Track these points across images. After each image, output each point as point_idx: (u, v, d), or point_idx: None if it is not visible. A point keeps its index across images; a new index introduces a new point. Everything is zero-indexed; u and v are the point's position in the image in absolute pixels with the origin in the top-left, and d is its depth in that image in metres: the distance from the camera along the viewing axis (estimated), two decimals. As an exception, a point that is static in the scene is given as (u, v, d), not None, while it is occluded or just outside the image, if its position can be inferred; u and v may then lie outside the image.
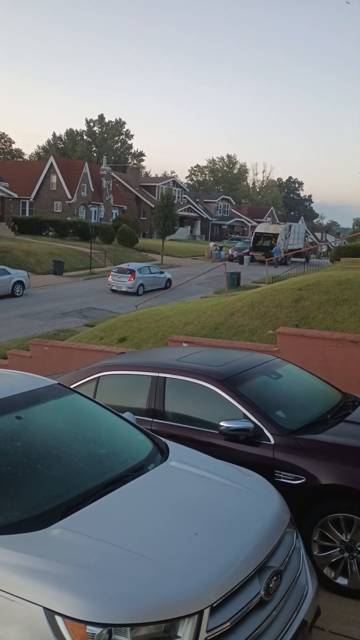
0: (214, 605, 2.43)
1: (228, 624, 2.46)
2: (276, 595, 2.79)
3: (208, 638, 2.39)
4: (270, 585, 2.74)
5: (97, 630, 2.26)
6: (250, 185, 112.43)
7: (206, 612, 2.39)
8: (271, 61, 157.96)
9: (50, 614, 2.30)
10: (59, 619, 2.28)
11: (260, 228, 44.90)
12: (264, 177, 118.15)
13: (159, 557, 2.56)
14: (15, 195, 45.51)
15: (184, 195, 69.39)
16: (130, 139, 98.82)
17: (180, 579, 2.45)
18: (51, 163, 53.07)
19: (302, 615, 2.89)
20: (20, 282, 24.73)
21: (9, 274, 24.53)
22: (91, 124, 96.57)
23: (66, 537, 2.64)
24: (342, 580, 4.00)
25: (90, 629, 2.26)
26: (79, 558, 2.51)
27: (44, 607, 2.31)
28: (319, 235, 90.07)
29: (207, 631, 2.38)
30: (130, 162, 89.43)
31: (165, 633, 2.33)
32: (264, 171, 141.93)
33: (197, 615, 2.36)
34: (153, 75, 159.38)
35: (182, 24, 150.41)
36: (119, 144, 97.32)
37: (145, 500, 3.06)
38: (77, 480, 3.17)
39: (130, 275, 26.39)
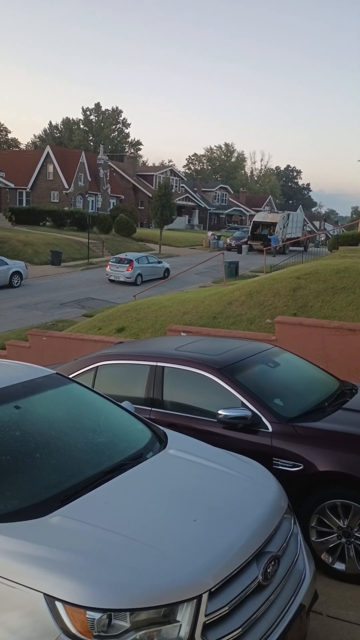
0: (213, 590, 2.46)
1: (226, 608, 2.49)
2: (274, 580, 2.82)
3: (207, 622, 2.42)
4: (268, 570, 2.77)
5: (96, 616, 2.29)
6: (248, 174, 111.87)
7: (205, 597, 2.42)
8: (268, 49, 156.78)
9: (50, 600, 2.32)
10: (59, 605, 2.31)
11: (259, 217, 44.76)
12: (262, 165, 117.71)
13: (158, 543, 2.58)
14: (12, 185, 45.24)
15: (181, 184, 68.97)
16: (127, 128, 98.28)
17: (179, 565, 2.48)
18: (48, 152, 52.70)
19: (299, 600, 2.92)
20: (18, 273, 24.65)
21: (7, 264, 24.43)
22: (88, 112, 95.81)
23: (66, 525, 2.67)
24: (340, 566, 4.05)
25: (90, 614, 2.29)
26: (78, 545, 2.53)
27: (44, 593, 2.33)
28: (317, 223, 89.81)
29: (206, 615, 2.41)
30: (128, 151, 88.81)
31: (164, 617, 2.35)
32: (262, 159, 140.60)
33: (195, 600, 2.39)
34: (150, 64, 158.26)
35: (179, 12, 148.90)
36: (116, 133, 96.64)
37: (144, 488, 3.08)
38: (76, 469, 3.18)
39: (128, 265, 26.33)
